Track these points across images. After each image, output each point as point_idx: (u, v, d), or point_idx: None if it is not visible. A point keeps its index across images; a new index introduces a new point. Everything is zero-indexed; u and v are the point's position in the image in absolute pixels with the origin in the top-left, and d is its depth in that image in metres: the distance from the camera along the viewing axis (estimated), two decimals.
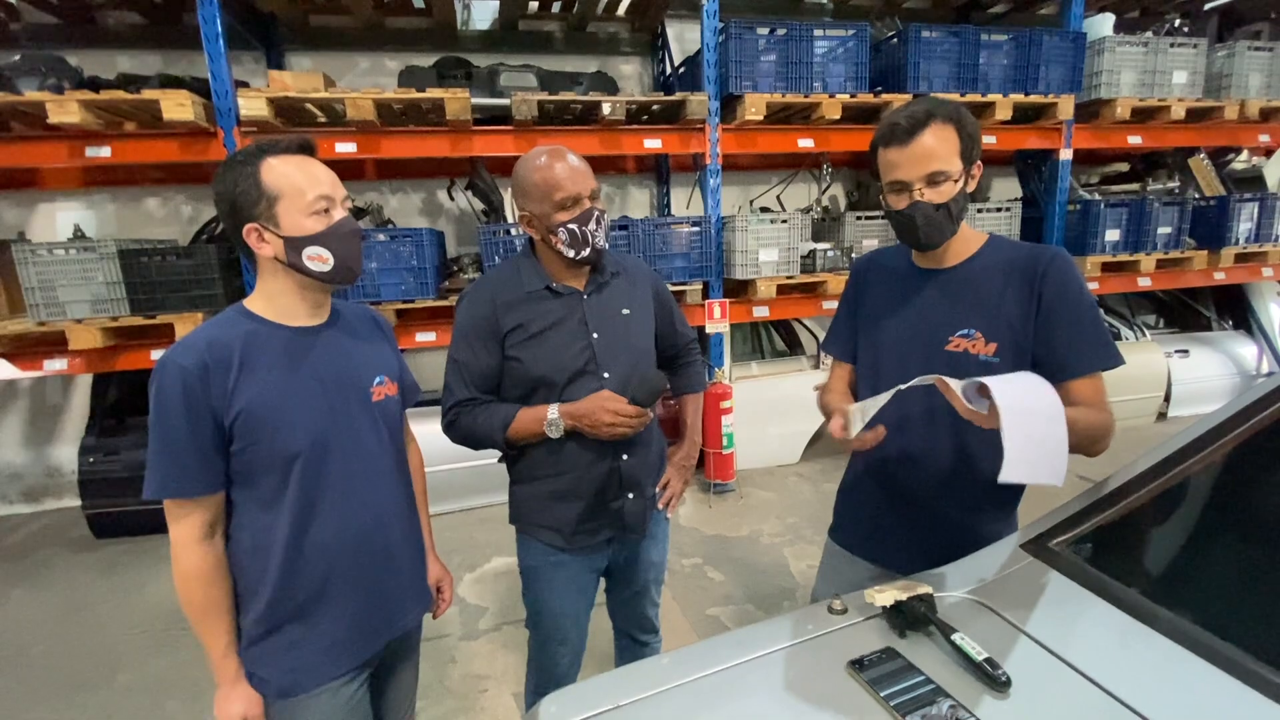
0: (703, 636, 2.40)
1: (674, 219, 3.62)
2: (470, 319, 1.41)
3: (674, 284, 3.58)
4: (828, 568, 1.48)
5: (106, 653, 2.56)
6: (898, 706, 0.79)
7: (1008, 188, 5.12)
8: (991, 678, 0.81)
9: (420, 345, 3.39)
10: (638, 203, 4.79)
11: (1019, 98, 3.80)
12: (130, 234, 3.93)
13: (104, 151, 2.96)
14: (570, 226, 1.34)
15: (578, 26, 4.36)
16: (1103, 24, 4.14)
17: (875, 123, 3.98)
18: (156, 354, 3.07)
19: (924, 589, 0.95)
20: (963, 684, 0.82)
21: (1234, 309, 5.04)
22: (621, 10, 4.19)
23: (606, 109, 3.28)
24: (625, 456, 1.44)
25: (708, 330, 3.68)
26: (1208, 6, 4.97)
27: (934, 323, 1.24)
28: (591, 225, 1.35)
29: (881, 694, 0.81)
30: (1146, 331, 4.82)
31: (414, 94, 3.04)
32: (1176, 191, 4.76)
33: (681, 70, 4.15)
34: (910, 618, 0.92)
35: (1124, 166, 5.35)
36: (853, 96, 3.56)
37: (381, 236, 3.23)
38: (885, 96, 3.61)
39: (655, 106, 3.55)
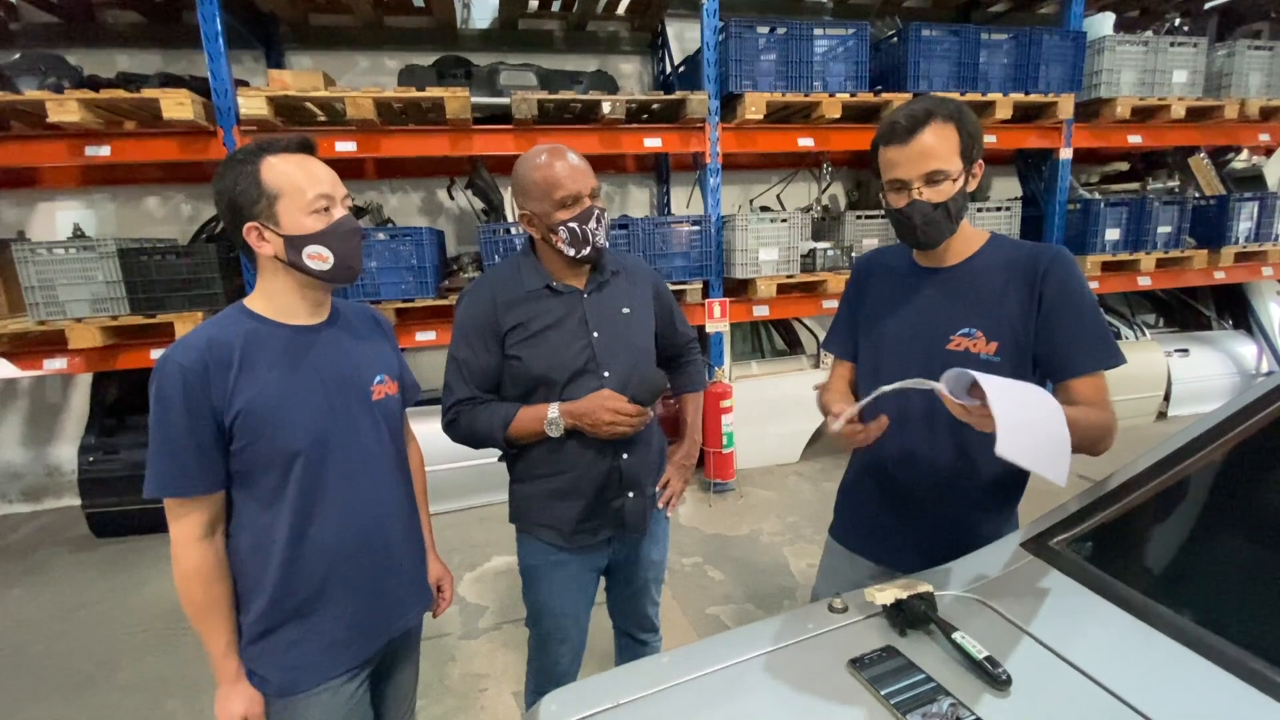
0: (702, 635, 2.40)
1: (674, 218, 3.62)
2: (470, 318, 1.41)
3: (674, 283, 3.58)
4: (828, 566, 1.48)
5: (106, 652, 2.56)
6: (898, 705, 0.79)
7: (1008, 187, 5.12)
8: (992, 676, 0.81)
9: (420, 344, 3.39)
10: (638, 202, 4.79)
11: (1019, 97, 3.80)
12: (130, 233, 3.93)
13: (104, 150, 2.96)
14: (571, 225, 1.34)
15: (577, 25, 4.36)
16: (1103, 23, 4.14)
17: (875, 122, 3.99)
18: (156, 353, 3.07)
19: (924, 587, 0.95)
20: (963, 682, 0.82)
21: (1234, 308, 5.05)
22: (621, 9, 4.19)
23: (606, 108, 3.28)
24: (625, 455, 1.44)
25: (708, 329, 3.67)
26: (1208, 6, 4.97)
27: (935, 322, 1.24)
28: (592, 224, 1.35)
29: (882, 692, 0.81)
30: (1146, 331, 4.82)
31: (414, 93, 3.04)
32: (1176, 191, 4.76)
33: (681, 69, 4.14)
34: (911, 616, 0.92)
35: (1124, 166, 5.35)
36: (853, 96, 3.55)
37: (381, 235, 3.23)
38: (885, 96, 3.61)
39: (655, 105, 3.55)
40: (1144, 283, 4.34)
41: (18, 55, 3.05)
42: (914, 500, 1.28)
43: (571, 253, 1.36)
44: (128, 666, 2.47)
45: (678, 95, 3.42)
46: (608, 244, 1.43)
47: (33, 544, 3.59)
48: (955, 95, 3.67)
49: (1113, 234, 4.15)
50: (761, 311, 3.78)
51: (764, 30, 3.46)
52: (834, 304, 3.85)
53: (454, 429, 1.44)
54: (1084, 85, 3.98)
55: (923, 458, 1.25)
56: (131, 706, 2.26)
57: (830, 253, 3.84)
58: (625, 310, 1.47)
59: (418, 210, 4.38)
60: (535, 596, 1.54)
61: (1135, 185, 4.93)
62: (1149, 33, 4.16)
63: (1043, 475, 0.90)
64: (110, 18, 3.80)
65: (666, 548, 1.69)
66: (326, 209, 1.09)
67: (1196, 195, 4.61)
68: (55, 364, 3.03)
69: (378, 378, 1.21)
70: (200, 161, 3.16)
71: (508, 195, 3.72)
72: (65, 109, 2.72)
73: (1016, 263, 1.19)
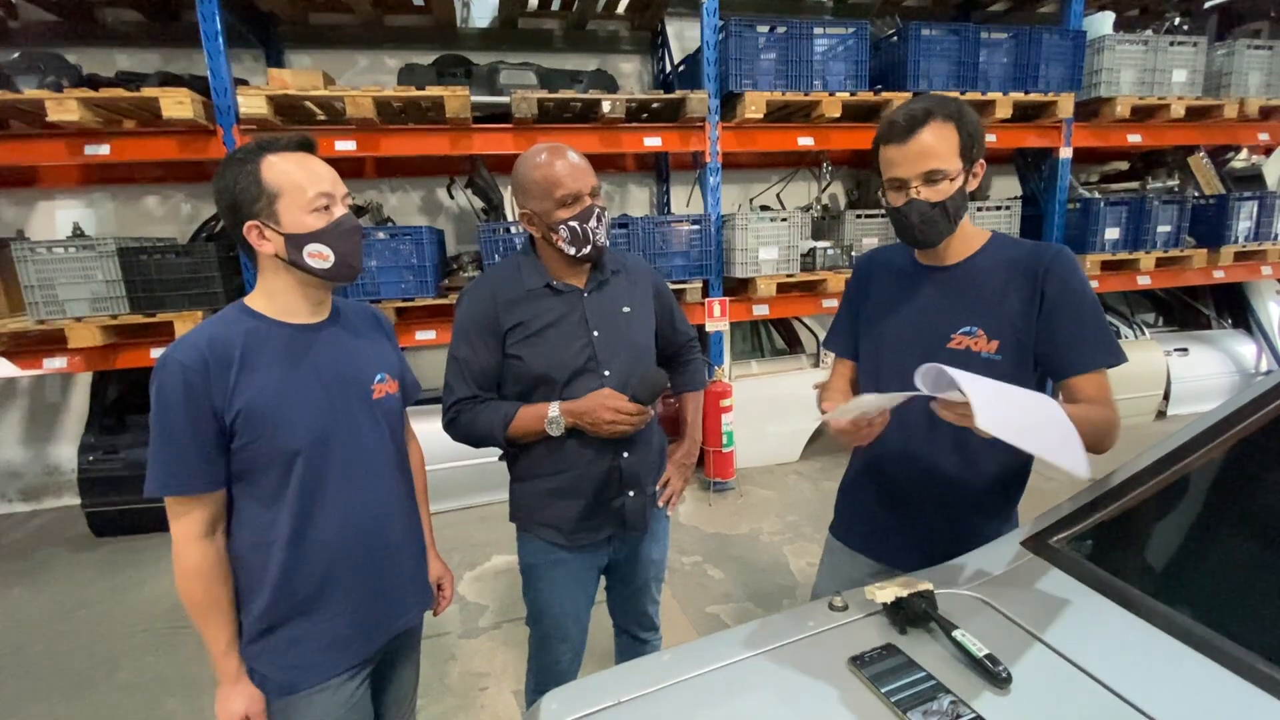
0: (702, 634, 2.40)
1: (674, 217, 3.62)
2: (471, 317, 1.41)
3: (674, 282, 3.58)
4: (829, 564, 1.48)
5: (106, 651, 2.56)
6: (899, 703, 0.79)
7: (1007, 186, 5.12)
8: (992, 674, 0.81)
9: (420, 344, 3.39)
10: (637, 201, 4.79)
11: (1019, 96, 3.80)
12: (129, 232, 3.93)
13: (103, 149, 2.95)
14: (571, 224, 1.34)
15: (577, 24, 4.36)
16: (1102, 22, 4.14)
17: (875, 121, 3.98)
18: (156, 352, 3.06)
19: (925, 586, 0.95)
20: (963, 680, 0.82)
21: (1233, 307, 5.05)
22: (621, 8, 4.19)
23: (606, 107, 3.27)
24: (626, 454, 1.45)
25: (707, 328, 3.68)
26: (1207, 5, 4.97)
27: (936, 320, 1.24)
28: (592, 222, 1.35)
29: (882, 690, 0.81)
30: (1146, 330, 4.82)
31: (414, 92, 3.03)
32: (1176, 190, 4.76)
33: (681, 68, 4.14)
34: (911, 614, 0.92)
35: (1123, 165, 5.35)
36: (853, 95, 3.55)
37: (381, 235, 3.23)
38: (885, 95, 3.61)
39: (655, 104, 3.55)
40: (1143, 282, 4.35)
41: (17, 54, 3.05)
42: (914, 499, 1.28)
43: (572, 251, 1.36)
44: (127, 666, 2.47)
45: (677, 94, 3.42)
46: (608, 243, 1.43)
47: (32, 543, 3.59)
48: (955, 94, 3.68)
49: (1112, 233, 4.15)
50: (761, 310, 3.78)
51: (764, 29, 3.46)
52: (834, 303, 3.87)
53: (454, 428, 1.44)
54: (1084, 84, 3.99)
55: (923, 456, 1.25)
56: (131, 706, 2.26)
57: (830, 252, 3.84)
58: (625, 309, 1.47)
59: (417, 209, 4.38)
60: (535, 595, 1.54)
61: (1135, 184, 4.93)
62: (1149, 32, 4.16)
63: (1060, 465, 0.86)
64: (110, 16, 3.80)
65: (667, 546, 1.69)
66: (327, 207, 1.09)
67: (1196, 194, 4.61)
68: (55, 363, 3.03)
69: (378, 376, 1.21)
70: (200, 160, 3.16)
71: (507, 194, 3.72)
72: (65, 108, 2.72)
73: (1018, 261, 1.19)
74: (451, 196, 4.23)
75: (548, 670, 1.58)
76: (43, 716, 2.23)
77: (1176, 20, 4.57)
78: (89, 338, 2.90)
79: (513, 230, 3.37)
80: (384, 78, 4.10)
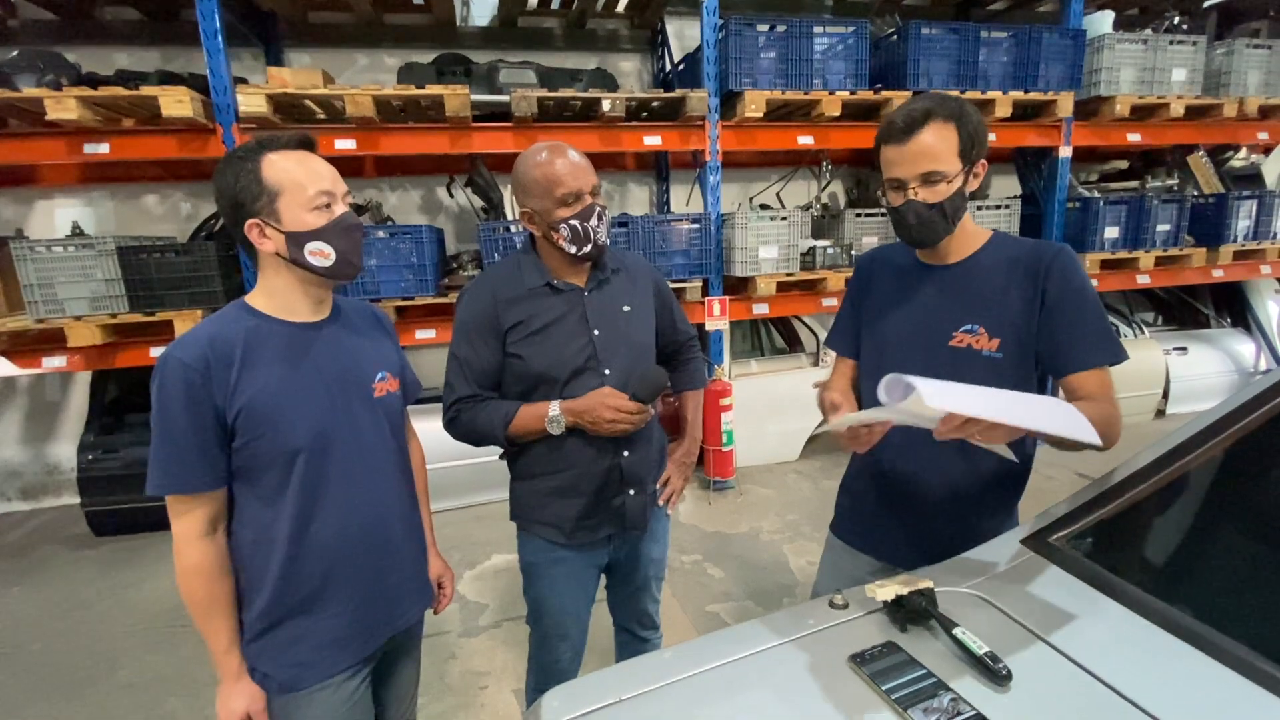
0: (702, 633, 2.41)
1: (674, 216, 3.62)
2: (471, 316, 1.41)
3: (674, 281, 3.58)
4: (829, 562, 1.49)
5: (106, 650, 2.56)
6: (899, 700, 0.79)
7: (1007, 185, 5.12)
8: (993, 672, 0.81)
9: (420, 343, 3.39)
10: (637, 200, 4.79)
11: (1018, 95, 3.80)
12: (129, 231, 3.92)
13: (102, 148, 2.95)
14: (572, 223, 1.34)
15: (577, 23, 4.36)
16: (1102, 21, 4.14)
17: (875, 120, 3.98)
18: (156, 351, 3.06)
19: (925, 584, 0.96)
20: (964, 678, 0.83)
21: (1232, 306, 5.05)
22: (621, 7, 4.18)
23: (606, 106, 3.27)
24: (626, 453, 1.45)
25: (707, 327, 3.68)
26: (1207, 4, 4.97)
27: (937, 318, 1.24)
28: (593, 221, 1.35)
29: (883, 688, 0.81)
30: (1145, 329, 4.83)
31: (413, 90, 3.03)
32: (1175, 189, 4.76)
33: (681, 67, 4.14)
34: (911, 612, 0.93)
35: (1123, 164, 5.35)
36: (852, 93, 3.55)
37: (381, 234, 3.23)
38: (885, 93, 3.61)
39: (655, 103, 3.55)
40: (1143, 281, 4.35)
41: (16, 52, 3.04)
42: (915, 497, 1.29)
43: (573, 250, 1.36)
44: (128, 665, 2.47)
45: (677, 93, 3.41)
46: (609, 241, 1.43)
47: (32, 542, 3.59)
48: (954, 93, 3.67)
49: (1112, 232, 4.15)
50: (761, 309, 3.78)
51: (764, 28, 3.46)
52: (833, 302, 3.87)
53: (455, 427, 1.44)
54: (1083, 83, 3.99)
55: (924, 454, 1.25)
56: (132, 705, 2.26)
57: (830, 251, 3.84)
58: (626, 308, 1.48)
59: (417, 208, 4.38)
60: (536, 594, 1.54)
61: (1134, 183, 4.93)
62: (1148, 31, 4.16)
63: (1073, 437, 0.90)
64: (109, 15, 3.79)
65: (667, 545, 1.69)
66: (328, 205, 1.09)
67: (1195, 193, 4.61)
68: (54, 362, 3.03)
69: (379, 375, 1.21)
70: (199, 159, 3.15)
71: (507, 193, 3.72)
72: (64, 106, 2.72)
73: (1019, 260, 1.19)
74: (451, 195, 4.22)
75: (548, 669, 1.58)
76: (43, 715, 2.23)
77: (1176, 19, 4.56)
78: (88, 337, 2.90)
79: (513, 229, 3.37)
80: (383, 76, 4.10)
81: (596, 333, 1.42)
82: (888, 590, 0.95)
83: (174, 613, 2.76)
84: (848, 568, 1.41)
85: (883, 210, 3.93)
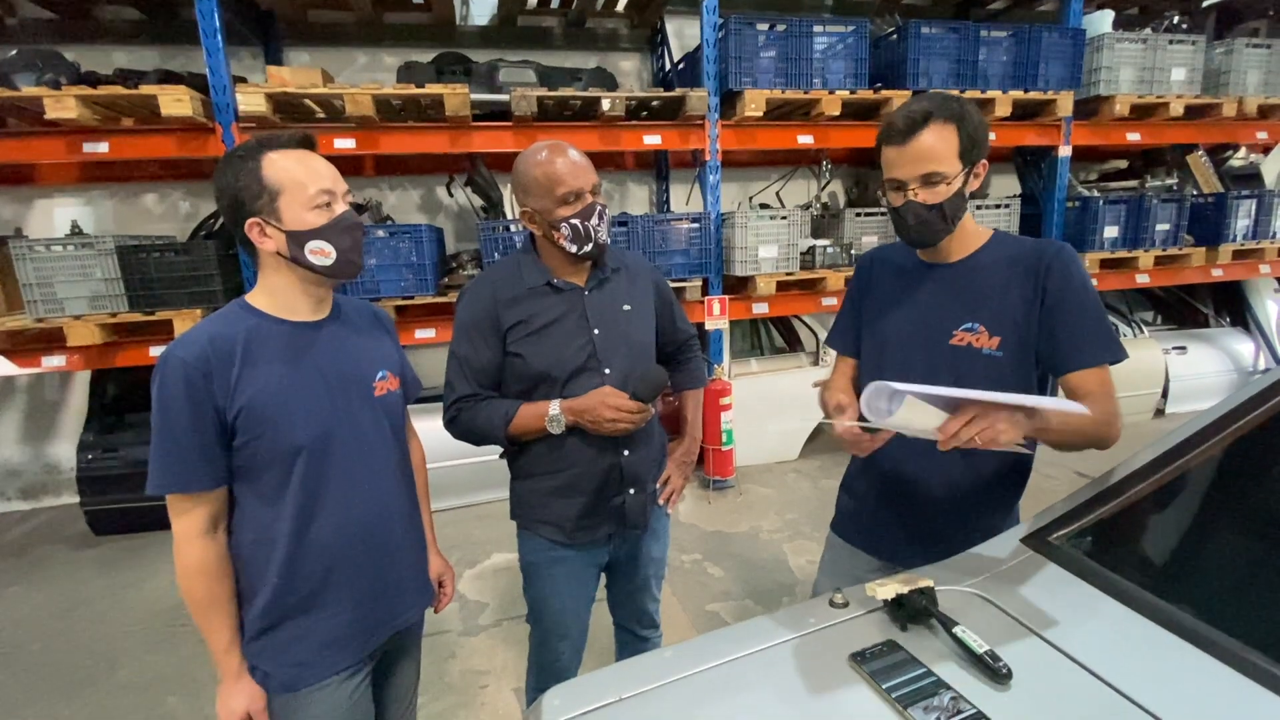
0: (702, 632, 2.41)
1: (673, 215, 3.62)
2: (471, 315, 1.41)
3: (673, 280, 3.58)
4: (829, 561, 1.49)
5: (106, 649, 2.56)
6: (899, 699, 0.79)
7: (1007, 184, 5.12)
8: (993, 670, 0.81)
9: (420, 342, 3.39)
10: (637, 199, 4.79)
11: (1018, 94, 3.80)
12: (128, 230, 3.92)
13: (101, 147, 2.95)
14: (573, 222, 1.34)
15: (577, 22, 4.35)
16: (1102, 21, 4.14)
17: (875, 119, 3.98)
18: (155, 350, 3.06)
19: (925, 582, 0.96)
20: (964, 676, 0.83)
21: (1231, 305, 5.06)
22: (620, 6, 4.18)
23: (606, 105, 3.27)
24: (626, 452, 1.45)
25: (707, 327, 3.68)
26: (1206, 3, 4.97)
27: (938, 317, 1.24)
28: (594, 220, 1.35)
29: (883, 686, 0.81)
30: (1144, 328, 4.83)
31: (413, 90, 3.03)
32: (1175, 188, 4.76)
33: (681, 66, 4.14)
34: (912, 611, 0.93)
35: (1122, 163, 5.35)
36: (852, 93, 3.55)
37: (381, 233, 3.23)
38: (885, 93, 3.61)
39: (655, 102, 3.55)
40: (1142, 280, 4.35)
41: (14, 51, 3.04)
42: (916, 495, 1.29)
43: (574, 249, 1.36)
44: (127, 664, 2.47)
45: (677, 92, 3.41)
46: (609, 240, 1.43)
47: (31, 542, 3.59)
48: (954, 93, 3.67)
49: (1111, 232, 4.15)
50: (761, 309, 3.78)
51: (763, 27, 3.45)
52: (833, 301, 3.87)
53: (455, 426, 1.44)
54: (1083, 83, 3.99)
55: (924, 454, 1.25)
56: (131, 704, 2.26)
57: (830, 250, 3.84)
58: (626, 307, 1.48)
59: (417, 207, 4.37)
60: (536, 593, 1.54)
61: (1134, 183, 4.93)
62: (1148, 30, 4.16)
63: (1061, 409, 0.95)
64: (108, 14, 3.79)
65: (667, 544, 1.69)
66: (328, 204, 1.09)
67: (1195, 193, 4.61)
68: (53, 361, 3.02)
69: (380, 374, 1.21)
70: (199, 158, 3.15)
71: (507, 192, 3.72)
72: (63, 105, 2.71)
73: (1020, 258, 1.19)
74: (451, 194, 4.22)
75: (548, 668, 1.58)
76: (43, 715, 2.23)
77: (1175, 19, 4.57)
78: (88, 336, 2.90)
79: (512, 228, 3.37)
80: (383, 75, 4.09)
81: (596, 332, 1.42)
82: (888, 589, 0.95)
83: (174, 612, 2.76)
84: (848, 566, 1.41)
85: (882, 210, 3.93)
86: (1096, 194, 4.45)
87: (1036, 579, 1.01)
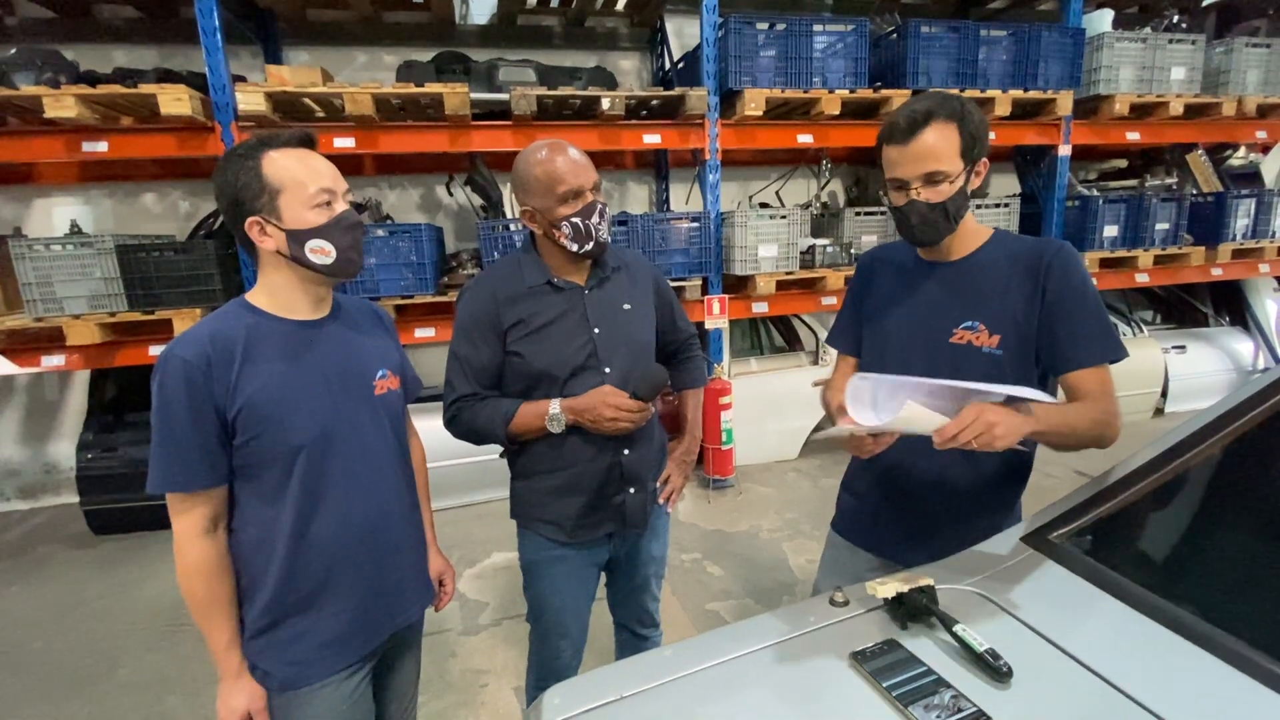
0: (702, 631, 2.41)
1: (673, 215, 3.62)
2: (471, 314, 1.41)
3: (673, 279, 3.58)
4: (830, 559, 1.49)
5: (106, 648, 2.56)
6: (900, 697, 0.79)
7: (1006, 184, 5.12)
8: (993, 669, 0.81)
9: (419, 341, 3.39)
10: (636, 198, 4.79)
11: (1018, 93, 3.80)
12: (127, 229, 3.91)
13: (101, 146, 2.95)
14: (574, 220, 1.34)
15: (576, 21, 4.35)
16: (1101, 20, 4.14)
17: (875, 118, 3.97)
18: (155, 350, 3.06)
19: (925, 581, 0.96)
20: (965, 675, 0.83)
21: (1231, 305, 5.06)
22: (620, 5, 4.18)
23: (605, 104, 3.27)
24: (626, 451, 1.45)
25: (707, 326, 3.68)
26: (1206, 3, 4.97)
27: (938, 315, 1.24)
28: (595, 218, 1.35)
29: (884, 685, 0.82)
30: (1144, 327, 4.83)
31: (412, 89, 3.03)
32: (1174, 188, 4.77)
33: (680, 65, 4.14)
34: (912, 610, 0.93)
35: (1122, 163, 5.35)
36: (852, 92, 3.55)
37: (380, 232, 3.22)
38: (885, 92, 3.60)
39: (654, 102, 3.54)
40: (1142, 280, 4.36)
41: (14, 50, 3.03)
42: (916, 494, 1.29)
43: (575, 248, 1.36)
44: (128, 664, 2.47)
45: (677, 91, 3.41)
46: (610, 239, 1.43)
47: (30, 541, 3.58)
48: (954, 92, 3.67)
49: (1111, 231, 4.16)
50: (760, 308, 3.78)
51: (763, 26, 3.45)
52: (833, 301, 3.87)
53: (455, 425, 1.44)
54: (1083, 82, 3.99)
55: (925, 452, 1.25)
56: (132, 704, 2.26)
57: (829, 249, 3.84)
58: (626, 306, 1.48)
59: (416, 206, 4.37)
60: (536, 592, 1.54)
61: (1133, 182, 4.93)
62: (1147, 29, 4.16)
63: (1026, 397, 0.99)
64: (107, 12, 3.78)
65: (667, 543, 1.69)
66: (329, 203, 1.09)
67: (1194, 192, 4.62)
68: (53, 361, 3.02)
69: (380, 372, 1.21)
70: (198, 157, 3.15)
71: (507, 191, 3.72)
72: (62, 104, 2.71)
73: (1020, 257, 1.19)
74: (450, 194, 4.22)
75: (548, 667, 1.58)
76: (43, 714, 2.23)
77: (1175, 18, 4.57)
78: (87, 335, 2.90)
79: (512, 228, 3.36)
80: (382, 74, 4.09)
81: (597, 331, 1.42)
82: (888, 588, 0.95)
83: (174, 611, 2.76)
84: (848, 565, 1.41)
85: (882, 209, 3.93)
86: (1096, 193, 4.45)
87: (1037, 577, 1.01)
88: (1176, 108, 4.04)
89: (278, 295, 1.12)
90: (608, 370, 1.41)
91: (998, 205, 3.97)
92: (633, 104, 3.42)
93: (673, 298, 1.64)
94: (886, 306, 1.33)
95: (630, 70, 4.61)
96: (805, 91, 3.51)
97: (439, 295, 3.36)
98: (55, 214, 3.88)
